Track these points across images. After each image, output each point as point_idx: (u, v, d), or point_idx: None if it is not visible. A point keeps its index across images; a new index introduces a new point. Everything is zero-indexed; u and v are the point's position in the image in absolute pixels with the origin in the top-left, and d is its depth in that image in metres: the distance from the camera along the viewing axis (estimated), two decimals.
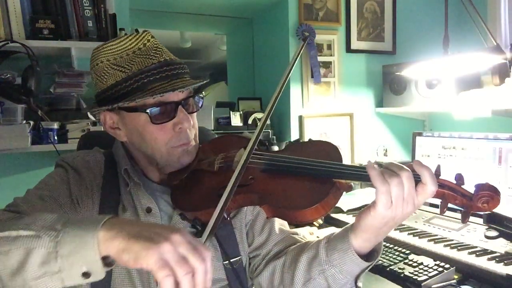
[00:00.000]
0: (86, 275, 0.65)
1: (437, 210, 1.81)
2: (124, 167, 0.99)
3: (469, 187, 0.79)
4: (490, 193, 0.76)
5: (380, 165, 0.81)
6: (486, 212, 1.49)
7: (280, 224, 1.09)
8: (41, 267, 0.66)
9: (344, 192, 0.87)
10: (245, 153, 0.89)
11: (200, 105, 1.00)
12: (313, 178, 0.86)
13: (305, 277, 0.93)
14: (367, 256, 0.88)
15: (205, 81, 0.98)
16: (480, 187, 0.77)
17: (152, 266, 0.60)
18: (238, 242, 1.05)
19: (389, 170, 0.78)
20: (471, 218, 1.63)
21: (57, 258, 0.65)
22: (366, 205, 0.86)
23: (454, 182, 0.80)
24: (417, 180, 0.78)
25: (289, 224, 1.12)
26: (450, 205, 0.80)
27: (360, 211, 0.85)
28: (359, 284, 0.91)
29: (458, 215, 1.74)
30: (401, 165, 0.79)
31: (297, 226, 1.67)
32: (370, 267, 0.89)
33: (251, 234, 1.07)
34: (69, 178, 0.97)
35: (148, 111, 0.89)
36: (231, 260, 1.01)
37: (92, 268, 0.65)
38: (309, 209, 0.81)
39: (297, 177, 0.88)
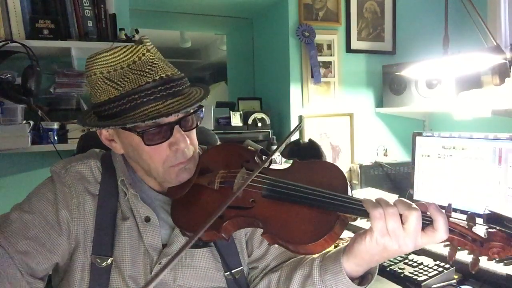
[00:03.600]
0: None
1: None
2: (121, 177, 0.97)
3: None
4: (502, 244, 0.72)
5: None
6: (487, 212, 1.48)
7: None
8: None
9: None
10: (250, 175, 0.83)
11: (201, 116, 0.94)
12: (318, 209, 0.81)
13: None
14: (362, 278, 0.87)
15: (204, 97, 0.91)
16: (492, 236, 0.73)
17: None
18: (239, 252, 1.03)
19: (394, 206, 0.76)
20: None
21: None
22: None
23: (465, 222, 0.75)
24: (428, 222, 0.75)
25: None
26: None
27: (355, 235, 0.83)
28: None
29: (459, 215, 1.74)
30: (410, 203, 0.76)
31: None
32: None
33: (250, 245, 1.06)
34: (57, 199, 0.94)
35: (141, 133, 0.86)
36: (232, 271, 1.00)
37: None
38: (313, 244, 0.77)
39: (300, 206, 0.83)
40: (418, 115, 2.62)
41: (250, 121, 2.44)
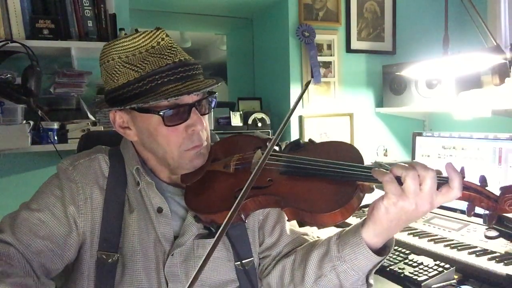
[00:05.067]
0: None
1: (437, 210, 1.82)
2: (136, 166, 0.97)
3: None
4: None
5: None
6: None
7: (290, 224, 1.07)
8: None
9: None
10: (265, 153, 0.86)
11: (213, 105, 0.98)
12: (336, 180, 0.84)
13: (316, 274, 0.92)
14: (379, 252, 0.87)
15: (219, 83, 0.95)
16: (506, 190, 0.76)
17: None
18: (251, 242, 1.03)
19: (411, 166, 0.78)
20: (471, 218, 1.64)
21: None
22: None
23: (478, 184, 0.79)
24: (443, 181, 0.77)
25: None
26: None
27: (373, 202, 0.84)
28: (371, 281, 0.90)
29: (459, 215, 1.74)
30: (425, 165, 0.78)
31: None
32: (382, 262, 0.88)
33: (261, 234, 1.06)
34: (64, 194, 0.94)
35: (161, 113, 0.87)
36: (243, 261, 1.00)
37: None
38: (332, 213, 0.79)
39: (318, 179, 0.85)
40: (418, 115, 2.62)
41: (250, 121, 2.44)
